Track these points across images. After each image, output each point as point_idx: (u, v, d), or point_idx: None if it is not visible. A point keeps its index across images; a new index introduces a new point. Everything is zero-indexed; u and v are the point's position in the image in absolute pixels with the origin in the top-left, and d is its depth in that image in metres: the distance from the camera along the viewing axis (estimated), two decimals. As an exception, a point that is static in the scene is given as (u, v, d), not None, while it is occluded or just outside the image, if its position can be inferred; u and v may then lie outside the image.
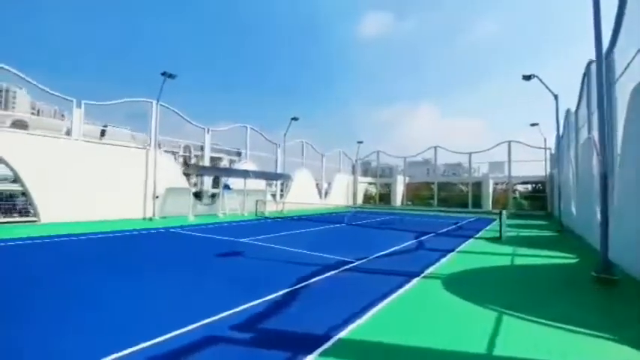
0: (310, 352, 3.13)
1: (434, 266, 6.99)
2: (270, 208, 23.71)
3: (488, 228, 15.29)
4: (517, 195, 31.46)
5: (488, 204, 28.53)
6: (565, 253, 9.05)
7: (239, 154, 41.05)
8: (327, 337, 3.46)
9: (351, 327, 3.75)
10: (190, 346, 3.20)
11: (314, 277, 5.87)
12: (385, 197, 36.63)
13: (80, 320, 3.82)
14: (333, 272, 6.25)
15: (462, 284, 5.76)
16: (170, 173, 17.91)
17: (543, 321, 4.07)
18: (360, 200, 36.78)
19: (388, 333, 3.64)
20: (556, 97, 14.41)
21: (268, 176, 22.90)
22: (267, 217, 18.68)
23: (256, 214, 19.96)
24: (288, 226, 14.45)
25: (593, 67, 9.34)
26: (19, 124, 36.32)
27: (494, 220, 20.15)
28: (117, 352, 3.01)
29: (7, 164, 12.58)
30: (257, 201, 20.67)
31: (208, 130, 20.28)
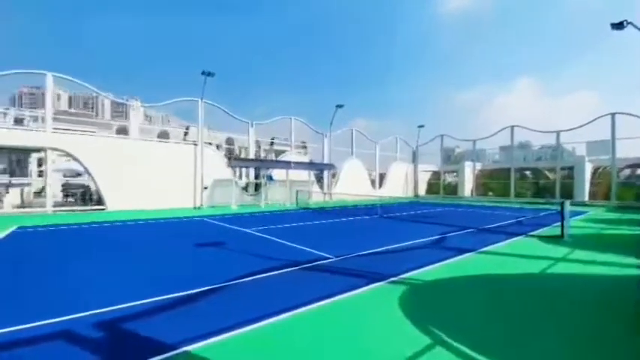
0: (124, 366, 2.62)
1: (424, 269, 5.65)
2: (319, 199, 23.54)
3: (559, 224, 12.19)
4: None
5: (582, 193, 23.06)
6: (648, 260, 6.45)
7: (304, 147, 42.02)
8: (171, 348, 2.89)
9: (221, 338, 3.09)
10: (23, 340, 3.00)
11: (262, 273, 5.26)
12: (451, 187, 32.91)
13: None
14: (290, 269, 5.54)
15: (431, 296, 4.45)
16: (217, 166, 19.08)
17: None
18: (422, 191, 33.88)
19: (254, 352, 2.88)
20: (665, 45, 10.45)
21: (310, 167, 22.66)
22: (307, 208, 18.48)
23: (297, 205, 19.95)
24: (315, 217, 13.93)
25: None
26: (122, 130, 43.35)
27: (583, 212, 16.23)
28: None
29: (78, 161, 15.01)
30: (297, 191, 20.63)
31: (252, 123, 20.94)
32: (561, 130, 24.20)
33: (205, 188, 18.37)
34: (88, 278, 5.05)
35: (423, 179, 34.75)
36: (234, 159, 19.70)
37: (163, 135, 36.82)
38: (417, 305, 4.04)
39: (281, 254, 6.72)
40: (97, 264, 5.94)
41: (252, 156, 21.04)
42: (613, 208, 19.77)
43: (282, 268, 5.55)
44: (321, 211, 16.63)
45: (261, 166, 20.46)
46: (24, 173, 30.63)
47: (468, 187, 30.32)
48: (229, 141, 38.28)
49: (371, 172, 29.31)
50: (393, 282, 4.90)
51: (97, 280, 4.99)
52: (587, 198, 23.05)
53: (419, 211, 16.84)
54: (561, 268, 5.94)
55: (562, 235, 8.98)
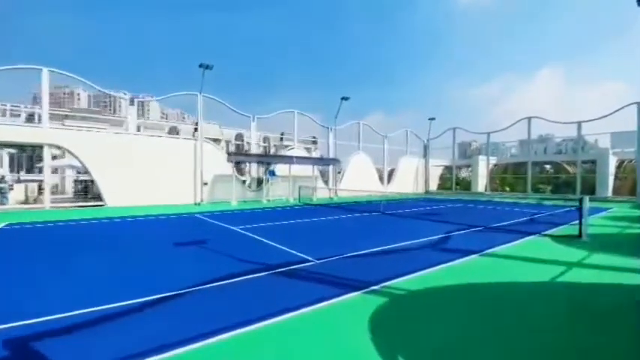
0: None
1: (413, 275, 4.94)
2: (324, 195, 22.90)
3: (577, 222, 11.15)
4: None
5: (606, 189, 21.53)
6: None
7: (314, 142, 41.33)
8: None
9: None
10: None
11: (226, 279, 4.68)
12: (466, 183, 31.57)
13: None
14: (260, 274, 4.94)
15: (412, 311, 3.75)
16: (218, 161, 18.65)
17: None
18: (434, 186, 32.69)
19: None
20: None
21: (314, 162, 21.99)
22: (309, 204, 17.88)
23: (299, 201, 19.37)
24: (314, 214, 13.32)
25: None
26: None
27: (606, 209, 15.02)
28: None
29: (76, 157, 14.87)
30: (299, 187, 20.04)
31: (254, 117, 20.42)
32: (582, 121, 22.59)
33: (205, 184, 18.02)
34: (42, 282, 4.60)
35: (436, 174, 33.54)
36: (232, 153, 19.25)
37: (173, 131, 36.89)
38: (391, 324, 3.36)
39: (258, 256, 6.13)
40: (60, 265, 5.51)
41: (254, 151, 20.55)
42: (639, 204, 18.28)
43: (250, 273, 4.96)
44: (322, 208, 16.01)
45: (261, 161, 19.92)
46: (41, 170, 31.28)
47: (481, 183, 28.99)
48: (239, 137, 38.03)
49: (380, 167, 28.39)
50: (372, 292, 4.22)
51: (48, 284, 4.53)
52: (610, 193, 21.51)
53: (425, 208, 15.95)
54: (576, 276, 5.11)
55: (580, 235, 8.05)
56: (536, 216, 12.93)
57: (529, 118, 25.42)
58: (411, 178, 30.68)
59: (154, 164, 16.64)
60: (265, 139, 62.10)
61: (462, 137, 35.19)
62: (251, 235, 8.32)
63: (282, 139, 42.05)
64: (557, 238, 8.11)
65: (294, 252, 6.36)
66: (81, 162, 15.00)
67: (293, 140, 37.78)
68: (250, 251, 6.61)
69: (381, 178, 28.19)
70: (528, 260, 6.02)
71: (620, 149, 22.22)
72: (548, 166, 29.31)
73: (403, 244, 7.35)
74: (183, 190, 17.54)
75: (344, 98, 22.86)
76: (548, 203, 18.49)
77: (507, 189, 29.02)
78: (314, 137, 39.83)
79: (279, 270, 5.15)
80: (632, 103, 19.88)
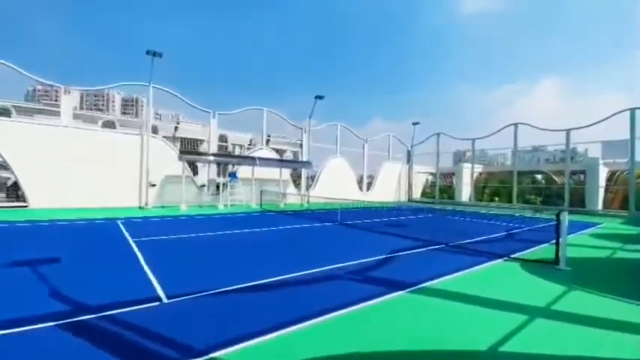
0: None
1: (286, 330, 3.19)
2: (296, 201, 21.19)
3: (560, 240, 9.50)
4: None
5: (595, 201, 20.00)
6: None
7: (302, 145, 39.70)
8: None
9: None
10: None
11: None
12: (448, 191, 30.00)
13: None
14: (46, 325, 3.16)
15: None
16: (170, 161, 16.84)
17: None
18: (418, 194, 31.08)
19: None
20: None
21: (281, 164, 20.26)
22: (269, 211, 16.09)
23: (261, 207, 17.57)
24: (262, 223, 11.55)
25: None
26: (109, 124, 41.58)
27: (594, 224, 13.46)
28: None
29: (-6, 151, 12.98)
30: (261, 192, 18.25)
31: (214, 114, 18.65)
32: (571, 129, 21.09)
33: (153, 185, 16.17)
34: None
35: (420, 181, 31.99)
36: (183, 152, 17.44)
37: (152, 130, 35.14)
38: None
39: (93, 288, 4.34)
40: None
41: (213, 151, 18.71)
42: (631, 219, 16.73)
43: (41, 322, 3.16)
44: (280, 216, 14.23)
45: (218, 161, 18.04)
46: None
47: (466, 192, 27.41)
48: (223, 138, 36.38)
49: (361, 173, 26.76)
50: (176, 373, 2.46)
51: None
52: (600, 207, 20.00)
53: (394, 218, 14.23)
54: (534, 339, 3.37)
55: (556, 261, 6.36)
56: (514, 231, 11.30)
57: (515, 125, 23.95)
58: (394, 185, 29.05)
59: (92, 161, 14.79)
60: (251, 141, 60.19)
61: (457, 145, 33.47)
62: (138, 251, 6.50)
63: (268, 141, 40.45)
64: (527, 265, 6.41)
65: (154, 282, 4.57)
66: (1, 156, 13.12)
67: (284, 144, 35.96)
68: (94, 279, 4.77)
69: (361, 185, 26.51)
70: (475, 302, 4.29)
71: (611, 159, 20.78)
72: (539, 176, 27.92)
73: (324, 268, 5.60)
74: (127, 191, 15.68)
75: (318, 97, 21.24)
76: (533, 215, 16.86)
77: (496, 199, 27.51)
78: (300, 140, 38.33)
79: (88, 317, 3.35)
80: (624, 110, 18.47)
